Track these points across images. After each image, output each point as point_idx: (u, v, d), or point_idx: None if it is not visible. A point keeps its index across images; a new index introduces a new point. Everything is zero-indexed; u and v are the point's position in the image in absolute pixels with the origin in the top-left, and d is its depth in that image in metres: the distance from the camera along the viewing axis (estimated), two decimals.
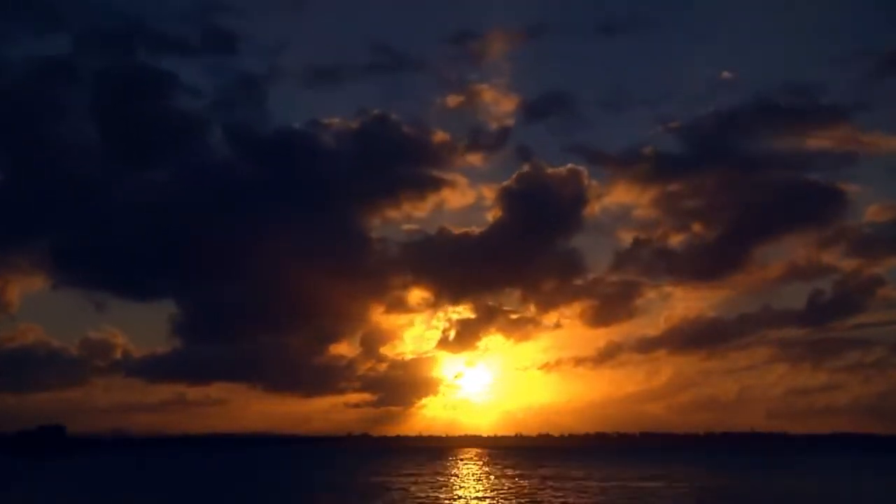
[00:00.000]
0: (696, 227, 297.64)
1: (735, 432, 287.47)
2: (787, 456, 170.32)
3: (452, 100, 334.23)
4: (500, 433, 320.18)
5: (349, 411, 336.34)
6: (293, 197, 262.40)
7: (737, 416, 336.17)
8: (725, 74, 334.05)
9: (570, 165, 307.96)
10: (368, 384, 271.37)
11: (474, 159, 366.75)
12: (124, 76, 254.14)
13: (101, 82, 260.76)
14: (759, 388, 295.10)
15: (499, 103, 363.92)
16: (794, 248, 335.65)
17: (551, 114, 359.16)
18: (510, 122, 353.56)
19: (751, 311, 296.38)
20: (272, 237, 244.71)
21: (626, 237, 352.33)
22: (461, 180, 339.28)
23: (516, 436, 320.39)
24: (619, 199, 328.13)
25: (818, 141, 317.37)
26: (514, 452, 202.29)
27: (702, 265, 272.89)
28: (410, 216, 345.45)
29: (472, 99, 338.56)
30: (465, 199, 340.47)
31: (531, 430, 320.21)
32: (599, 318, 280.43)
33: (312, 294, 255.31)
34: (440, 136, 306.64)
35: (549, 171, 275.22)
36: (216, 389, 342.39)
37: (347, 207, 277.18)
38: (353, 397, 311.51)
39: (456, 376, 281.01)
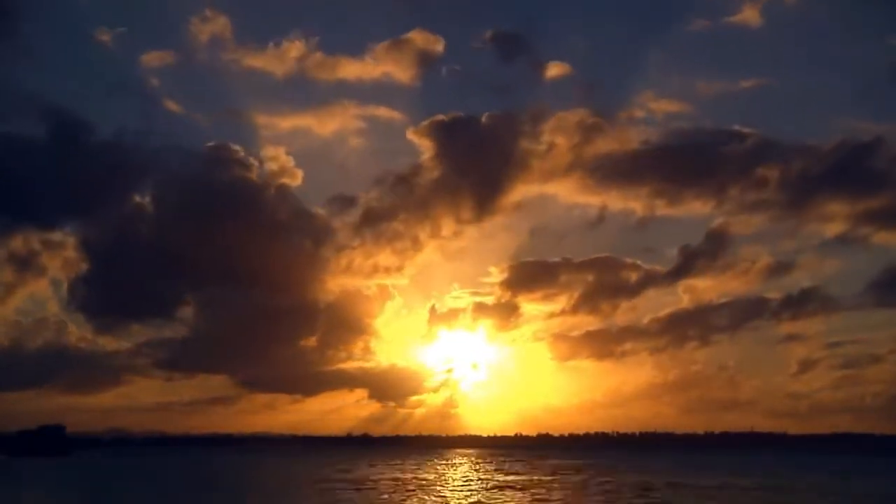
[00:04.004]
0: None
1: (735, 432, 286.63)
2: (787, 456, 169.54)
3: None
4: (499, 433, 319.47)
5: (347, 410, 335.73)
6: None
7: (737, 416, 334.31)
8: None
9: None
10: (359, 382, 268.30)
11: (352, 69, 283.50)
12: None
13: None
14: (761, 385, 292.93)
15: None
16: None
17: None
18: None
19: (750, 300, 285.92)
20: None
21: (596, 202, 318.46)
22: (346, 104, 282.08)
23: (516, 436, 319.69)
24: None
25: None
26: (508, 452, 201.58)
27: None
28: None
29: None
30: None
31: (530, 429, 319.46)
32: (589, 306, 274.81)
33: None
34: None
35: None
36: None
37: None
38: (349, 396, 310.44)
39: (448, 371, 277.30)
